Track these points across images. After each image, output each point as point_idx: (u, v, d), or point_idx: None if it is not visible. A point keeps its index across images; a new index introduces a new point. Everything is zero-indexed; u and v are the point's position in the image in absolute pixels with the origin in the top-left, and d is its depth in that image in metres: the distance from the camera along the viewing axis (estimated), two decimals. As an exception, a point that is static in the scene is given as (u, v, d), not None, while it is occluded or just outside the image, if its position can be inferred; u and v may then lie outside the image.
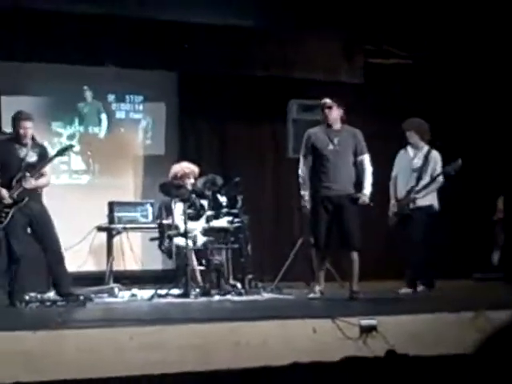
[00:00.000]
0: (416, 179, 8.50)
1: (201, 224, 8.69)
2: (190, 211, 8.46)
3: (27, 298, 7.25)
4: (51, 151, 8.28)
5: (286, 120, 9.89)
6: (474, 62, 11.30)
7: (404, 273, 8.57)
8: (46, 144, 8.59)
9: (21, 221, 7.54)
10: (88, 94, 10.70)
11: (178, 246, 8.42)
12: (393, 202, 8.61)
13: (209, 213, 8.73)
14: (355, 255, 7.82)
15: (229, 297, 8.14)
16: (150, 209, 9.41)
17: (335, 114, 7.96)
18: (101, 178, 10.68)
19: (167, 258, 8.88)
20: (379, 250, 10.60)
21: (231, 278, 8.69)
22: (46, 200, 7.83)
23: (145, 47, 10.13)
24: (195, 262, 8.45)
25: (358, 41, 11.28)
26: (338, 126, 7.99)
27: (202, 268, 8.47)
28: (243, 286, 8.44)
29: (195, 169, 8.96)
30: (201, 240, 8.59)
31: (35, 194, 7.66)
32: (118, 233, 9.29)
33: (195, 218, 8.64)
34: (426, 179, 8.50)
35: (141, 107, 11.00)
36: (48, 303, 7.26)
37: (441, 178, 8.52)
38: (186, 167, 8.94)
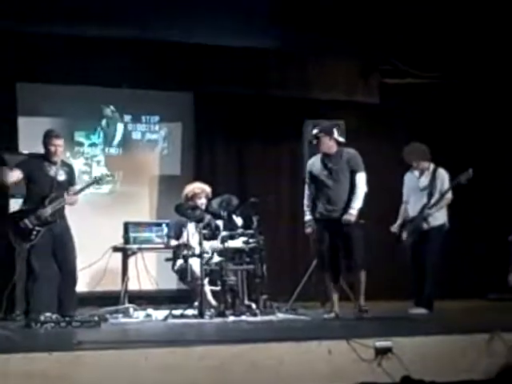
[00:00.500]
0: (427, 196, 8.58)
1: (216, 244, 8.70)
2: (205, 231, 8.49)
3: (42, 318, 7.25)
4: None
5: (302, 140, 9.92)
6: (490, 80, 11.31)
7: (416, 293, 8.55)
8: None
9: (45, 239, 7.65)
10: (108, 111, 10.74)
11: (191, 267, 8.43)
12: (399, 222, 8.71)
13: (224, 233, 8.74)
14: (362, 275, 8.02)
15: (243, 317, 8.15)
16: (165, 229, 9.41)
17: (325, 142, 8.16)
18: (117, 198, 10.71)
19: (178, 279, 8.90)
20: (389, 269, 10.54)
21: (246, 298, 8.67)
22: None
23: (161, 68, 10.21)
24: (207, 283, 8.45)
25: (374, 61, 11.32)
26: (333, 150, 8.19)
27: (217, 289, 8.47)
28: (258, 307, 8.42)
29: (207, 188, 8.98)
30: (216, 260, 8.59)
31: (62, 211, 7.81)
32: (134, 253, 9.32)
33: (210, 238, 8.65)
34: (436, 196, 8.59)
35: (157, 127, 11.02)
36: (63, 324, 7.26)
37: (449, 195, 8.60)
38: (196, 187, 8.97)
